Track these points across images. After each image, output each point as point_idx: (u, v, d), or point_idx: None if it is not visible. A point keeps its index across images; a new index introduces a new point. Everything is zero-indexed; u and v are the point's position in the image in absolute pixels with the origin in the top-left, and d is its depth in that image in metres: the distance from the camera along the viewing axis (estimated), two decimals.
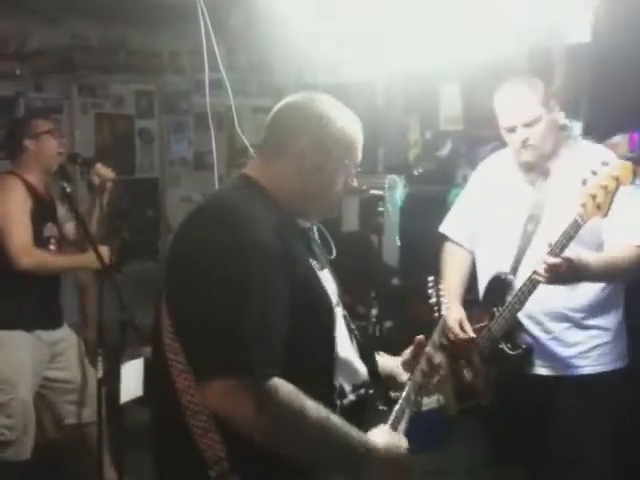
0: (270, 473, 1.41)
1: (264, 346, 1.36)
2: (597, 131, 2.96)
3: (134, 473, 3.05)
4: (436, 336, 1.87)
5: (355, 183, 1.64)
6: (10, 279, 2.91)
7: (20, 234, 2.91)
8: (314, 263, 1.57)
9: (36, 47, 4.53)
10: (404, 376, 1.75)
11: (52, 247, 3.12)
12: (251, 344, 1.35)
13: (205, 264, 1.41)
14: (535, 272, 2.17)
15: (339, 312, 1.60)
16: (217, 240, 1.41)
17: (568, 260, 2.08)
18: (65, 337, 3.17)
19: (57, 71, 4.61)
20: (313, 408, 1.38)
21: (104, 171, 3.24)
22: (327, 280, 1.60)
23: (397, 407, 1.63)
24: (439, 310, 2.12)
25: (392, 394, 1.70)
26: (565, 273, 2.10)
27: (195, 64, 4.59)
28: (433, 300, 2.18)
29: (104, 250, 3.03)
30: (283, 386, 1.36)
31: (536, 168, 2.40)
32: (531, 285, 2.24)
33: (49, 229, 3.12)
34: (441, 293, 2.21)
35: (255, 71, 5.12)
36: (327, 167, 1.57)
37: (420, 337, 1.78)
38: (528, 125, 2.31)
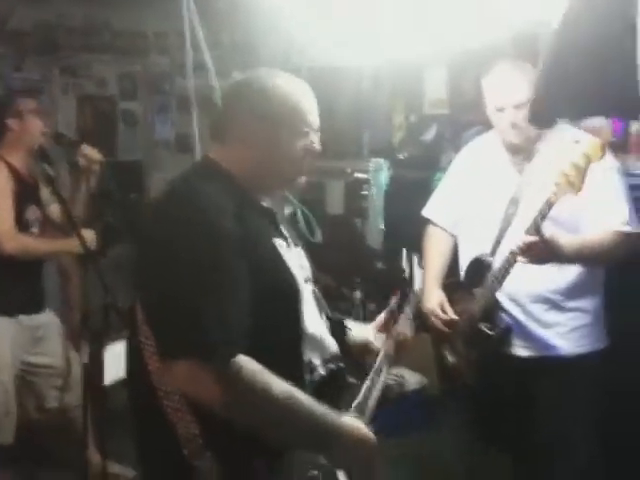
0: (243, 449, 1.42)
1: (225, 326, 1.37)
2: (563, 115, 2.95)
3: (118, 456, 3.05)
4: (408, 309, 1.93)
5: (317, 146, 1.64)
6: None
7: (3, 219, 2.88)
8: (279, 241, 1.58)
9: (18, 27, 4.47)
10: (377, 342, 1.79)
11: (34, 230, 3.08)
12: (211, 324, 1.37)
13: (166, 250, 1.44)
14: (511, 251, 2.20)
15: (307, 288, 1.62)
16: (177, 227, 1.44)
17: (542, 239, 2.11)
18: (47, 322, 3.15)
19: (40, 51, 4.55)
20: (278, 385, 1.39)
21: (90, 152, 3.16)
22: (295, 257, 1.62)
23: (368, 380, 1.66)
24: (411, 283, 2.14)
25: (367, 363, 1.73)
26: (540, 252, 2.13)
27: (180, 45, 4.55)
28: (407, 273, 2.20)
29: (89, 234, 3.00)
30: (247, 364, 1.37)
31: (522, 150, 2.41)
32: (508, 264, 2.26)
33: (32, 212, 3.08)
34: (414, 266, 2.23)
35: (239, 52, 5.09)
36: (274, 137, 1.58)
37: (393, 304, 1.84)
38: (518, 107, 2.32)
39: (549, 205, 2.12)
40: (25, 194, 3.04)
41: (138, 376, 1.50)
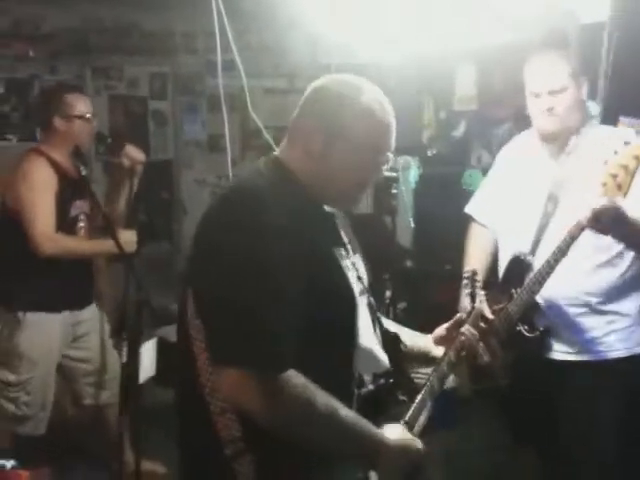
0: (285, 454, 1.42)
1: (278, 340, 1.36)
2: (616, 113, 2.92)
3: (151, 454, 3.09)
4: (468, 328, 1.82)
5: (383, 172, 1.59)
6: (37, 261, 2.89)
7: (43, 220, 2.88)
8: (339, 250, 1.56)
9: (50, 30, 4.55)
10: (436, 351, 1.74)
11: (81, 224, 3.09)
12: (265, 337, 1.36)
13: (226, 252, 1.41)
14: (578, 223, 2.08)
15: (363, 301, 1.59)
16: (239, 228, 1.41)
17: (615, 206, 2.00)
18: (90, 318, 3.17)
19: (71, 53, 4.62)
20: (322, 400, 1.38)
21: (135, 153, 3.11)
22: (354, 267, 1.59)
23: (419, 398, 1.61)
24: (473, 301, 2.08)
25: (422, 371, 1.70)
26: (611, 217, 2.01)
27: (209, 45, 4.59)
28: (468, 291, 2.15)
29: (131, 234, 3.01)
30: (293, 379, 1.36)
31: (557, 140, 2.37)
32: (548, 267, 2.19)
33: (77, 207, 3.08)
34: (477, 284, 2.18)
35: (268, 52, 5.11)
36: (339, 153, 1.51)
37: (460, 315, 1.78)
38: (553, 93, 2.29)
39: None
40: (69, 189, 3.03)
41: (185, 370, 1.49)
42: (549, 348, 2.38)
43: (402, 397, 1.62)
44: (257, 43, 5.03)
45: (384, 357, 1.62)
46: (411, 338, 1.77)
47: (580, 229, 2.12)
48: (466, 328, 1.77)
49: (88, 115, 3.05)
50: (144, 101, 5.08)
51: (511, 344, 2.44)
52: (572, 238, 2.15)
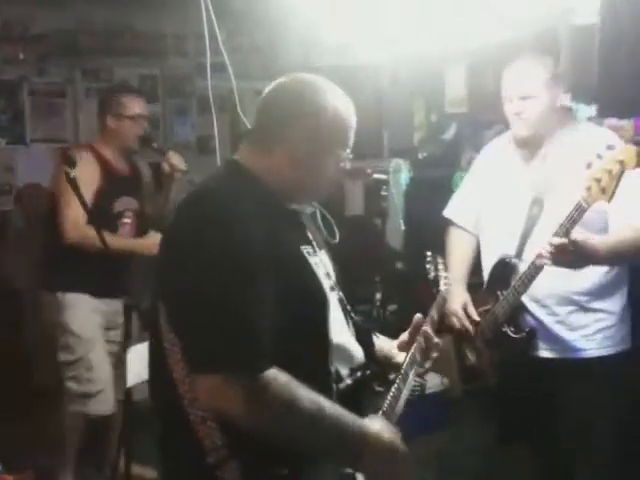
0: (269, 459, 1.41)
1: (252, 340, 1.36)
2: (610, 114, 2.93)
3: (142, 458, 3.07)
4: (434, 312, 1.91)
5: (347, 166, 1.63)
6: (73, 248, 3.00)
7: (73, 210, 2.95)
8: (306, 248, 1.56)
9: (40, 31, 4.52)
10: (399, 357, 1.75)
11: (126, 220, 3.19)
12: (238, 340, 1.35)
13: (192, 260, 1.41)
14: (540, 254, 2.17)
15: (334, 296, 1.60)
16: (206, 239, 1.41)
17: (574, 242, 2.07)
18: (119, 311, 3.13)
19: (61, 55, 4.59)
20: (306, 399, 1.37)
21: (176, 160, 3.27)
22: (321, 264, 1.60)
23: (394, 387, 1.64)
24: (437, 285, 2.12)
25: (390, 376, 1.70)
26: (571, 255, 2.09)
27: (199, 47, 4.57)
28: (431, 275, 2.19)
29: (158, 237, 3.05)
30: (275, 377, 1.35)
31: (529, 145, 2.40)
32: (535, 268, 2.23)
33: (124, 203, 3.18)
34: (439, 267, 2.21)
35: (258, 54, 5.10)
36: (320, 155, 1.55)
37: (418, 316, 1.79)
38: (524, 98, 2.31)
39: (580, 211, 2.06)
40: (115, 186, 3.14)
41: (162, 382, 1.48)
42: (536, 348, 2.39)
43: (378, 388, 1.64)
44: (248, 45, 5.02)
45: (359, 350, 1.62)
46: (377, 343, 1.78)
47: (541, 266, 2.18)
48: (431, 311, 1.84)
49: (138, 116, 3.19)
50: None
51: (497, 345, 2.45)
52: (534, 273, 2.23)
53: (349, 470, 1.47)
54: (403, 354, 1.75)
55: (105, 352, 3.15)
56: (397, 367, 1.71)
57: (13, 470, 2.43)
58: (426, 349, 1.78)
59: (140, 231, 3.27)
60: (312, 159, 1.54)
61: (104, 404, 3.10)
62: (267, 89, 1.60)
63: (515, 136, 2.42)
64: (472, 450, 3.55)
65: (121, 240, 3.15)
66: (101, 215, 3.03)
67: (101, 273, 3.08)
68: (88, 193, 2.97)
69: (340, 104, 1.57)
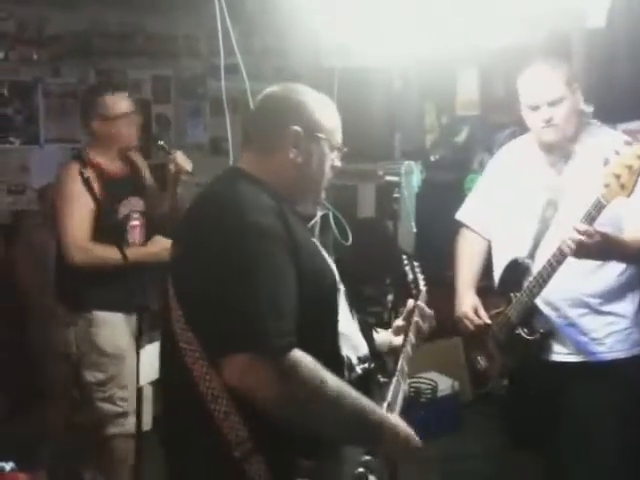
0: (292, 451, 1.43)
1: (278, 318, 1.38)
2: (607, 116, 2.92)
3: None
4: (419, 306, 1.95)
5: (338, 163, 1.69)
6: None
7: (73, 230, 2.86)
8: (317, 242, 1.62)
9: (54, 32, 4.55)
10: (397, 340, 1.85)
11: (135, 222, 3.05)
12: (266, 317, 1.38)
13: (213, 249, 1.45)
14: (563, 243, 2.13)
15: (341, 288, 1.64)
16: (223, 225, 1.46)
17: (604, 234, 2.05)
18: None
19: (75, 56, 4.62)
20: (331, 379, 1.41)
21: (182, 161, 3.11)
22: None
23: (394, 380, 1.69)
24: (417, 286, 2.13)
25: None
26: (595, 246, 2.07)
27: (211, 49, 4.59)
28: (410, 277, 2.19)
29: (167, 241, 2.97)
30: (304, 358, 1.38)
31: (558, 149, 2.38)
32: (550, 268, 2.21)
33: (129, 205, 3.04)
34: (416, 270, 2.22)
35: (270, 56, 5.11)
36: (316, 153, 1.63)
37: (411, 301, 1.89)
38: (552, 104, 2.29)
39: (599, 208, 2.06)
40: (115, 191, 2.98)
41: (180, 383, 1.49)
42: (549, 350, 2.39)
43: (383, 379, 1.70)
44: (260, 46, 5.03)
45: (363, 343, 1.67)
46: (377, 337, 1.85)
47: (560, 260, 2.17)
48: (419, 308, 1.91)
49: (124, 114, 2.98)
50: (147, 104, 5.08)
51: (511, 347, 2.44)
52: (550, 272, 2.22)
53: (361, 469, 1.49)
54: (399, 337, 1.84)
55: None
56: (394, 351, 1.80)
57: (26, 469, 2.44)
58: (417, 344, 1.85)
59: (149, 233, 3.14)
60: (310, 158, 1.62)
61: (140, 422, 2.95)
62: (256, 101, 1.70)
63: (544, 142, 2.38)
64: (481, 454, 3.55)
65: (133, 250, 3.00)
66: (107, 223, 2.92)
67: (127, 287, 2.96)
68: (84, 207, 2.87)
69: (324, 104, 1.68)
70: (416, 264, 2.27)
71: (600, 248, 2.10)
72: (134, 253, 2.98)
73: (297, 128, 1.60)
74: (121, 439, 2.99)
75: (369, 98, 4.74)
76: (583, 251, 2.10)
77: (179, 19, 4.86)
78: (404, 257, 2.25)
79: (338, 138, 1.69)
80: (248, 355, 1.36)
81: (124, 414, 2.98)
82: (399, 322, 1.92)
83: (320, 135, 1.62)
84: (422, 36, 3.86)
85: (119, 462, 3.01)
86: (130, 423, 2.95)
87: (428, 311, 1.91)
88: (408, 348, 1.80)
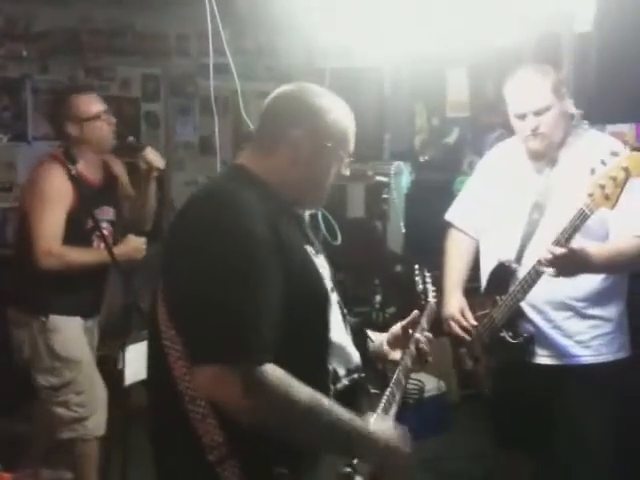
0: (268, 457, 1.42)
1: (253, 332, 1.36)
2: (596, 118, 2.93)
3: (137, 456, 3.07)
4: (424, 322, 1.94)
5: (347, 172, 1.65)
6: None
7: (46, 235, 2.77)
8: (309, 249, 1.58)
9: (43, 29, 4.53)
10: (392, 355, 1.81)
11: (106, 232, 2.93)
12: (240, 330, 1.36)
13: (198, 253, 1.42)
14: (539, 262, 2.17)
15: (334, 298, 1.62)
16: (210, 230, 1.43)
17: (572, 251, 2.07)
18: (94, 328, 3.12)
19: (64, 53, 4.60)
20: (303, 393, 1.38)
21: (153, 157, 2.99)
22: (322, 266, 1.61)
23: (388, 391, 1.66)
24: (426, 297, 2.13)
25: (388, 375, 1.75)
26: (569, 264, 2.10)
27: (202, 48, 4.58)
28: (420, 287, 2.20)
29: (140, 241, 2.95)
30: (272, 371, 1.36)
31: (545, 156, 2.38)
32: (535, 274, 2.23)
33: (102, 213, 2.96)
34: (427, 280, 2.23)
35: (262, 55, 5.11)
36: (320, 158, 1.59)
37: (415, 312, 1.85)
38: (538, 113, 2.29)
39: (583, 218, 2.06)
40: (90, 197, 2.88)
41: (161, 381, 1.48)
42: (533, 354, 2.39)
43: (374, 390, 1.67)
44: (251, 46, 5.03)
45: (355, 352, 1.64)
46: (370, 345, 1.83)
47: (540, 273, 2.20)
48: (422, 321, 1.88)
49: (100, 114, 2.90)
50: (136, 102, 5.06)
51: (494, 350, 2.45)
52: (534, 279, 2.24)
53: (347, 469, 1.48)
54: (395, 352, 1.81)
55: (96, 371, 3.00)
56: (389, 362, 1.78)
57: (12, 469, 2.42)
58: (417, 357, 1.83)
59: (117, 238, 3.03)
60: (312, 161, 1.58)
61: (94, 428, 2.94)
62: (269, 97, 1.64)
63: (531, 151, 2.38)
64: (468, 455, 3.56)
65: (102, 252, 2.89)
66: (78, 230, 2.84)
67: (88, 292, 2.96)
68: (58, 211, 2.78)
69: (338, 109, 1.62)
70: (427, 274, 2.26)
71: (573, 267, 2.12)
72: (102, 254, 2.89)
73: (301, 132, 1.56)
74: (80, 442, 2.95)
75: (359, 98, 4.73)
76: (557, 272, 2.14)
77: (170, 17, 4.85)
78: (416, 267, 2.25)
79: (348, 146, 1.63)
80: (219, 366, 1.34)
81: (80, 419, 2.93)
82: (397, 328, 1.87)
83: (326, 142, 1.58)
84: (413, 38, 3.87)
85: (81, 465, 2.98)
86: (89, 427, 2.92)
87: (427, 334, 1.87)
88: (407, 361, 1.78)
